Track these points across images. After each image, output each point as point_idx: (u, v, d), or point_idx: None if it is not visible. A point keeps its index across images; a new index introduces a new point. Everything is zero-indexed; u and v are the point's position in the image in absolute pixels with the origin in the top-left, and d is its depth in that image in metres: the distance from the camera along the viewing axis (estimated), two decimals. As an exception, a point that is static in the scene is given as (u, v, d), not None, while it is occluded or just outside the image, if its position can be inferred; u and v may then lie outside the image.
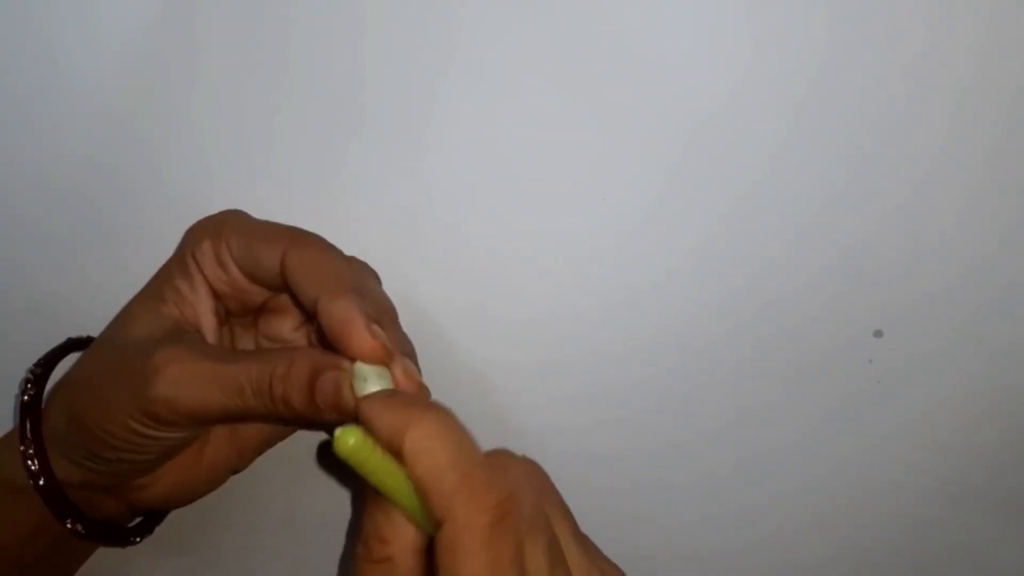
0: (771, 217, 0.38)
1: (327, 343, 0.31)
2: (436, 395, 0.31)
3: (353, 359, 0.30)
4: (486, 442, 0.40)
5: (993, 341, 0.38)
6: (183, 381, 0.31)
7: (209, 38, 0.38)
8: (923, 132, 0.37)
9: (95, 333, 0.37)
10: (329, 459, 0.41)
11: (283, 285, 0.33)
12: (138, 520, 0.38)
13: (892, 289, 0.38)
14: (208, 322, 0.35)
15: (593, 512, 0.35)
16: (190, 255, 0.35)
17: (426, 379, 0.32)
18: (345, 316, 0.30)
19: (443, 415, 0.27)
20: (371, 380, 0.29)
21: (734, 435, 0.40)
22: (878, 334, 0.38)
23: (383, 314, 0.33)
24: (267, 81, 0.39)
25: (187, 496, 0.36)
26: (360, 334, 0.29)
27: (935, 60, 0.36)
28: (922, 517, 0.39)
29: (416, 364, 0.33)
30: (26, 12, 0.39)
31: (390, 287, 0.36)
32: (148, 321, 0.34)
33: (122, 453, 0.33)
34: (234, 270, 0.34)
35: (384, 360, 0.30)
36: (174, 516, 0.40)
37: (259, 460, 0.38)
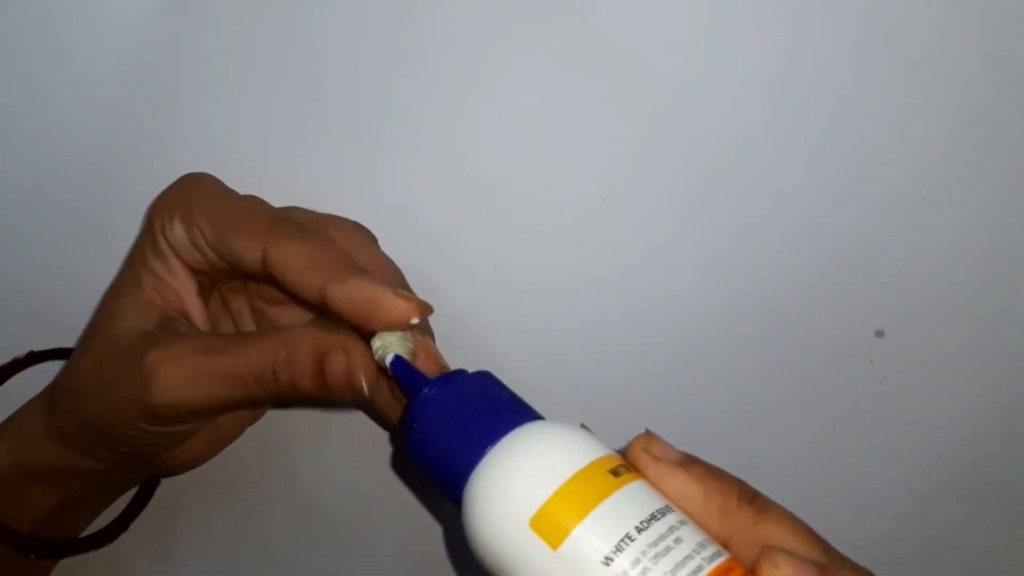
0: (773, 218, 0.38)
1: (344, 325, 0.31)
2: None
3: (391, 329, 0.30)
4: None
5: (994, 341, 0.38)
6: (180, 382, 0.30)
7: (208, 39, 0.38)
8: (925, 134, 0.37)
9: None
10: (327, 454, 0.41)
11: (265, 278, 0.32)
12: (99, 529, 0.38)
13: (894, 289, 0.38)
14: (193, 303, 0.34)
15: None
16: (162, 236, 0.33)
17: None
18: (369, 293, 0.29)
19: None
20: (395, 345, 0.30)
21: (735, 435, 0.40)
22: (880, 334, 0.38)
23: (392, 280, 0.33)
24: (265, 83, 0.38)
25: (209, 456, 0.37)
26: (398, 304, 0.29)
27: (938, 63, 0.37)
28: (923, 516, 0.39)
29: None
30: (19, 13, 0.38)
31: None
32: (134, 314, 0.33)
33: (139, 447, 0.33)
34: (211, 255, 0.33)
35: (423, 315, 0.30)
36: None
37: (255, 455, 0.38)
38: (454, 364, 0.33)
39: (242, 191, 0.36)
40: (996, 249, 0.38)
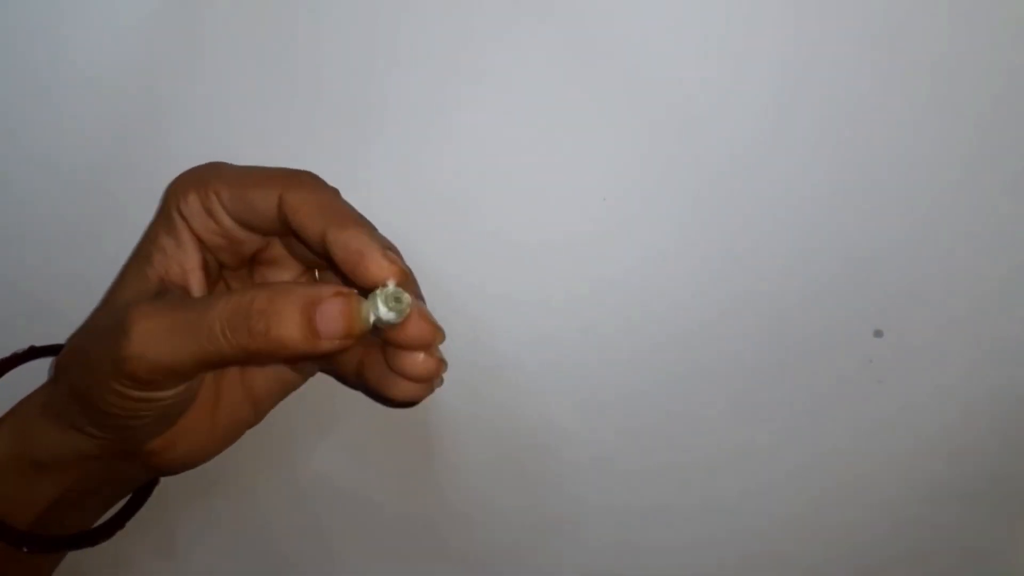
0: (771, 218, 0.38)
1: (341, 276, 0.31)
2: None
3: (371, 287, 0.30)
4: (491, 446, 0.41)
5: (993, 340, 0.38)
6: (152, 335, 0.30)
7: (209, 37, 0.38)
8: (925, 134, 0.37)
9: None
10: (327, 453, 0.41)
11: (280, 228, 0.33)
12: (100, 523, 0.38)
13: (892, 289, 0.38)
14: (195, 278, 0.34)
15: (597, 509, 0.36)
16: (175, 210, 0.34)
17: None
18: (359, 244, 0.30)
19: None
20: (397, 302, 0.30)
21: (735, 435, 0.40)
22: (878, 334, 0.39)
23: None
24: (266, 81, 0.39)
25: (206, 455, 0.36)
26: (378, 260, 0.30)
27: (938, 63, 0.37)
28: (922, 516, 0.39)
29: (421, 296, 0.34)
30: (13, 15, 0.39)
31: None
32: (134, 284, 0.33)
33: (119, 419, 0.32)
34: (225, 219, 0.34)
35: (404, 282, 0.30)
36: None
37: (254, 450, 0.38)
38: (453, 366, 0.34)
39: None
40: (996, 249, 0.38)
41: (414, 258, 0.36)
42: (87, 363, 0.32)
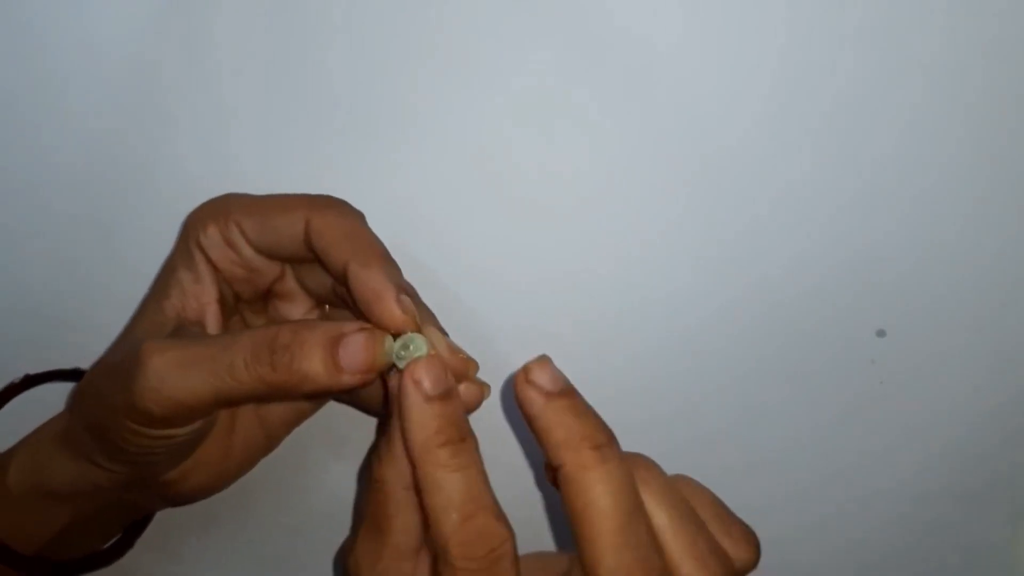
0: (774, 219, 0.38)
1: (356, 309, 0.31)
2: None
3: (382, 328, 0.30)
4: (487, 451, 0.41)
5: (995, 340, 0.38)
6: (167, 370, 0.29)
7: (205, 41, 0.38)
8: (927, 134, 0.37)
9: (90, 336, 0.37)
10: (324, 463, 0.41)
11: (304, 253, 0.33)
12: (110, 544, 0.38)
13: (895, 289, 0.38)
14: (212, 312, 0.34)
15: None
16: (194, 243, 0.34)
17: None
18: (376, 285, 0.30)
19: (462, 450, 0.28)
20: (413, 348, 0.30)
21: (737, 436, 0.40)
22: (881, 334, 0.38)
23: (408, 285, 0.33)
24: (263, 83, 0.38)
25: (220, 485, 0.36)
26: (391, 307, 0.30)
27: (939, 67, 0.36)
28: (925, 517, 0.40)
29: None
30: (21, 13, 0.38)
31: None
32: (151, 320, 0.33)
33: (135, 455, 0.32)
34: (246, 249, 0.34)
35: (411, 331, 0.30)
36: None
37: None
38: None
39: (248, 190, 0.35)
40: (997, 249, 0.38)
41: (409, 254, 0.36)
42: (101, 400, 0.31)
